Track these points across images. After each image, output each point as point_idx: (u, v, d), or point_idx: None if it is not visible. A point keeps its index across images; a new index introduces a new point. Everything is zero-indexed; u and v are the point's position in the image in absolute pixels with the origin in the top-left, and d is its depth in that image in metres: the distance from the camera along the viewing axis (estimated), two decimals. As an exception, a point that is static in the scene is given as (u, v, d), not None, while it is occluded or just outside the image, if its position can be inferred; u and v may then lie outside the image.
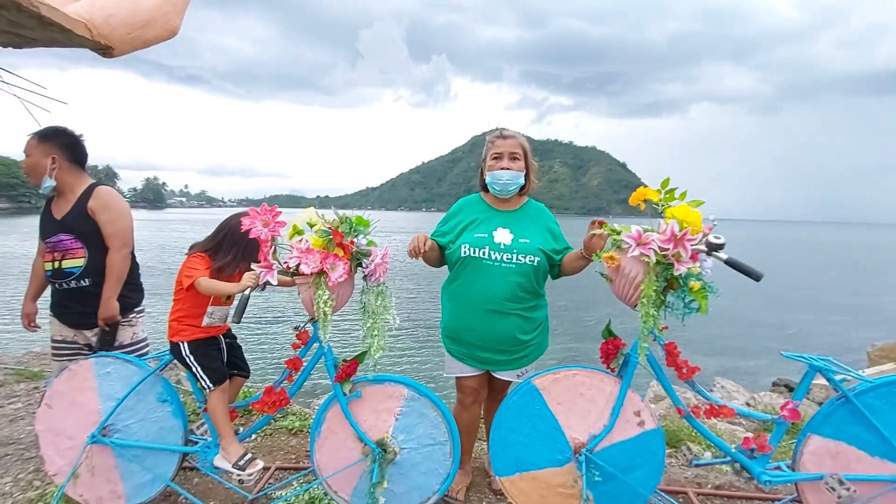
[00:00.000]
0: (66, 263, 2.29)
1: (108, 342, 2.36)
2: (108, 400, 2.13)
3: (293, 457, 2.75)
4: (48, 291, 2.50)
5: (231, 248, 2.03)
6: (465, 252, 2.17)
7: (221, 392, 2.07)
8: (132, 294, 2.48)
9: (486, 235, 2.16)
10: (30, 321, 2.58)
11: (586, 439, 1.97)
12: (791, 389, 7.98)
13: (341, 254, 1.85)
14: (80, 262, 2.30)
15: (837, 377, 1.87)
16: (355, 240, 1.89)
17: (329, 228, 1.86)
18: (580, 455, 1.95)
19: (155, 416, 2.14)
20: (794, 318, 16.00)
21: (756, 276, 1.61)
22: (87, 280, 2.32)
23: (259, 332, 10.95)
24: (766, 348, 12.22)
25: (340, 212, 1.91)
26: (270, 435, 2.99)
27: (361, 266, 1.95)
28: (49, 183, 2.30)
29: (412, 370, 8.66)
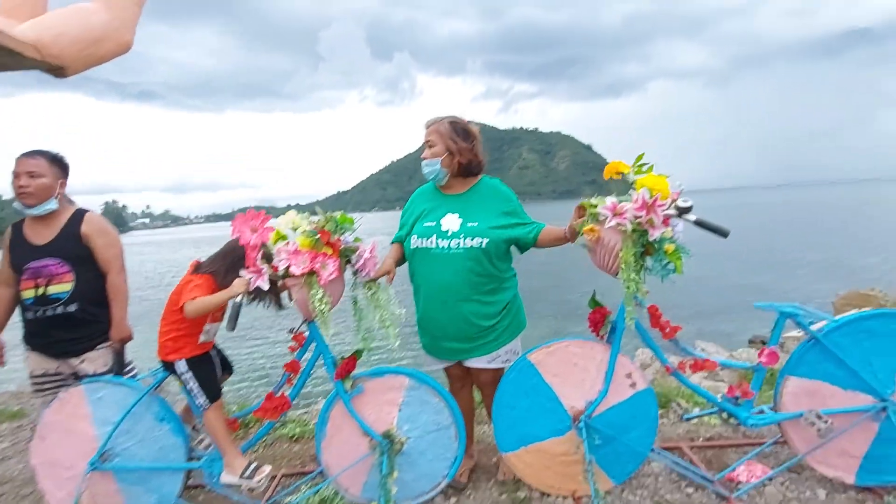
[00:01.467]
0: (53, 289, 2.24)
1: (121, 365, 2.35)
2: (103, 425, 2.10)
3: (297, 462, 2.76)
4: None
5: (233, 267, 1.97)
6: (413, 244, 2.18)
7: (218, 408, 2.06)
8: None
9: (434, 224, 2.16)
10: (0, 355, 2.50)
11: (583, 406, 2.06)
12: (766, 343, 8.37)
13: (330, 252, 1.88)
14: (68, 286, 2.26)
15: (806, 321, 2.01)
16: (342, 237, 1.92)
17: (315, 228, 1.88)
18: (579, 422, 2.03)
19: (154, 435, 2.12)
20: (761, 278, 16.70)
21: (723, 233, 1.72)
22: (73, 305, 2.27)
23: (248, 342, 10.77)
24: (738, 308, 12.74)
25: (324, 212, 1.94)
26: (271, 444, 2.99)
27: (350, 263, 1.98)
28: (51, 206, 2.27)
29: (409, 361, 8.69)
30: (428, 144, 2.18)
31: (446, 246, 2.10)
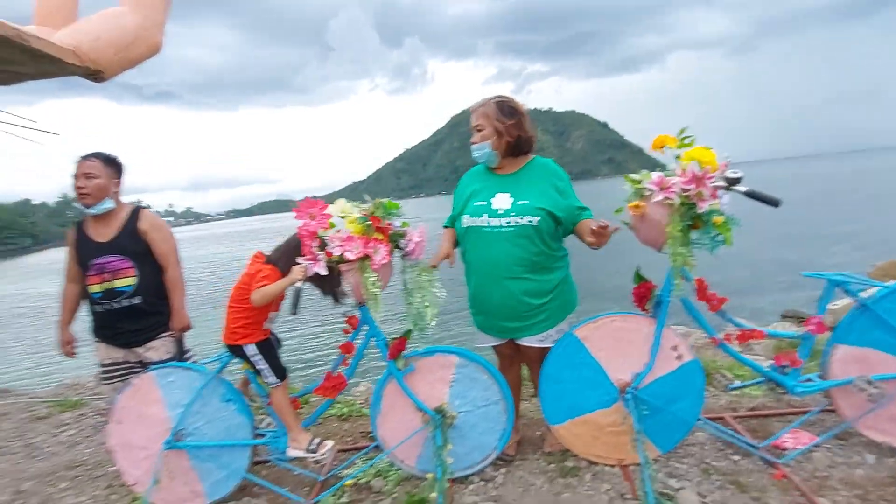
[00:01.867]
0: (118, 283, 2.38)
1: (181, 352, 2.49)
2: (175, 407, 2.24)
3: (349, 439, 2.89)
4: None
5: (292, 256, 2.02)
6: (465, 223, 2.21)
7: (285, 387, 2.18)
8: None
9: (485, 203, 2.17)
10: (71, 347, 2.67)
11: (630, 379, 2.11)
12: (801, 318, 8.23)
13: (381, 237, 1.95)
14: (132, 280, 2.40)
15: (855, 289, 2.01)
16: (391, 222, 2.00)
17: (366, 215, 1.96)
18: (626, 394, 2.09)
19: (222, 415, 2.25)
20: (791, 251, 16.29)
21: (775, 203, 1.73)
22: (138, 298, 2.41)
23: (301, 327, 11.09)
24: (769, 283, 12.49)
25: (373, 199, 2.01)
26: (321, 423, 3.13)
27: (399, 247, 2.06)
28: (108, 205, 2.41)
29: (458, 340, 8.84)
30: (476, 129, 2.19)
31: (498, 224, 2.11)
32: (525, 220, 2.08)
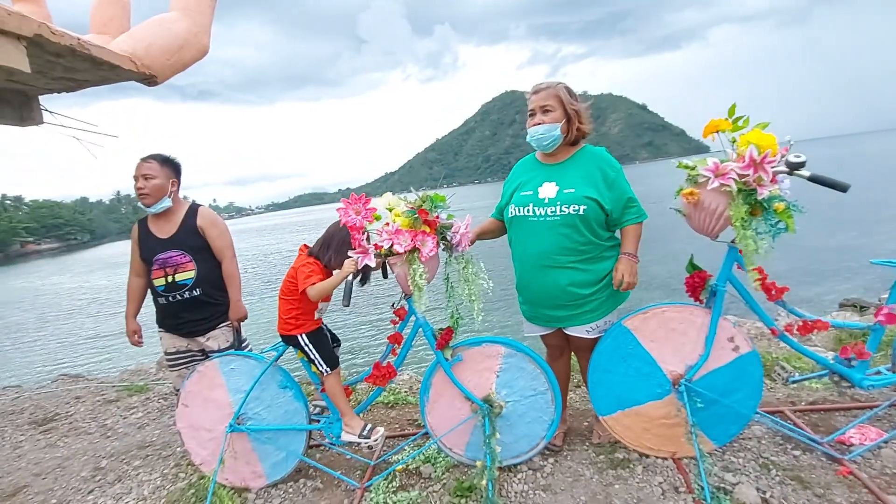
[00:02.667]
0: (180, 276, 2.53)
1: (239, 341, 2.63)
2: (236, 393, 2.37)
3: (397, 426, 2.97)
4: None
5: (340, 250, 2.11)
6: (511, 213, 2.21)
7: (337, 374, 2.27)
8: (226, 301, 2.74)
9: (532, 193, 2.16)
10: (138, 336, 2.86)
11: (683, 371, 2.07)
12: (862, 308, 7.74)
13: (428, 230, 1.98)
14: (192, 273, 2.55)
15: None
16: (438, 215, 2.02)
17: (413, 208, 1.99)
18: (679, 386, 2.05)
19: (279, 401, 2.37)
20: (847, 238, 15.29)
21: (843, 188, 1.64)
22: (198, 290, 2.56)
23: (352, 318, 11.46)
24: (823, 272, 11.79)
25: (420, 192, 2.04)
26: (370, 410, 3.23)
27: (445, 239, 2.08)
28: (166, 203, 2.55)
29: (505, 330, 8.89)
30: (544, 109, 2.12)
31: (543, 214, 2.10)
32: (571, 210, 2.05)
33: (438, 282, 2.23)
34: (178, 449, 3.00)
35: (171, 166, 2.61)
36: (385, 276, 2.20)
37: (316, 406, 2.49)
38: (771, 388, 2.84)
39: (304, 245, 2.23)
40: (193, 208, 2.67)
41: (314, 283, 2.02)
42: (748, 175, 1.67)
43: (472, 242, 2.27)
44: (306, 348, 2.17)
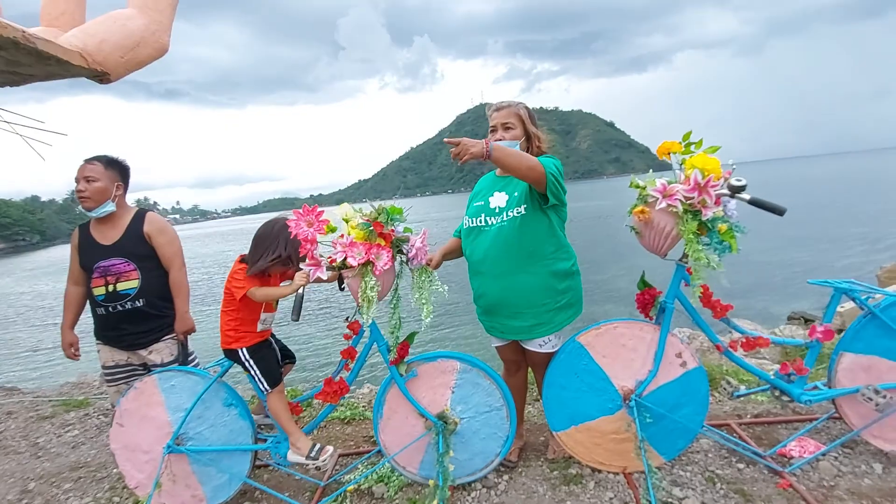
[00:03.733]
0: (122, 286, 2.39)
1: (185, 355, 2.50)
2: (176, 411, 2.24)
3: (351, 443, 2.88)
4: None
5: (269, 254, 2.04)
6: (466, 224, 2.26)
7: (279, 393, 2.18)
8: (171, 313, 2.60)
9: (484, 203, 2.21)
10: (75, 349, 2.68)
11: (634, 386, 2.09)
12: (808, 320, 8.16)
13: (383, 243, 1.94)
14: (135, 283, 2.41)
15: (862, 296, 1.99)
16: (394, 228, 1.99)
17: (368, 220, 1.95)
18: (630, 401, 2.07)
19: (223, 420, 2.26)
20: (799, 255, 16.18)
21: (779, 211, 1.71)
22: (141, 300, 2.42)
23: (297, 329, 11.14)
24: (777, 286, 12.41)
25: (376, 203, 2.00)
26: (325, 427, 3.13)
27: (401, 252, 2.05)
28: (109, 208, 2.41)
29: (462, 345, 8.84)
30: (505, 126, 2.18)
31: (494, 222, 2.14)
32: (515, 213, 2.10)
33: (404, 296, 2.19)
34: (114, 471, 2.81)
35: (117, 169, 2.48)
36: (341, 288, 2.14)
37: (261, 426, 2.39)
38: (719, 400, 2.92)
39: (242, 255, 2.15)
40: (140, 214, 2.53)
41: (251, 288, 1.96)
42: (693, 197, 1.72)
43: (438, 265, 2.30)
44: (246, 363, 2.08)
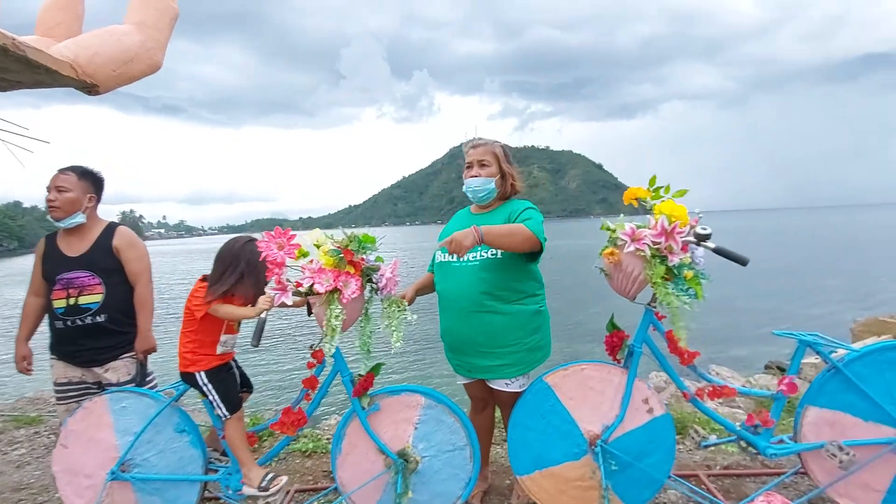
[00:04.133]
0: (84, 299, 2.32)
1: (143, 375, 2.42)
2: (125, 435, 2.14)
3: (310, 478, 2.76)
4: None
5: (231, 274, 2.01)
6: (438, 258, 2.26)
7: (238, 420, 2.10)
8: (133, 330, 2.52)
9: None
10: (27, 363, 2.57)
11: (600, 430, 2.05)
12: (783, 370, 8.21)
13: (352, 271, 1.92)
14: (98, 297, 2.34)
15: (826, 350, 2.00)
16: (365, 256, 1.97)
17: (339, 247, 1.93)
18: (595, 446, 2.02)
19: (173, 447, 2.15)
20: (776, 302, 16.46)
21: (743, 262, 1.73)
22: (103, 315, 2.35)
23: (268, 354, 10.85)
24: (753, 333, 12.53)
25: (348, 230, 1.99)
26: (284, 459, 3.00)
27: (371, 282, 2.02)
28: (78, 219, 2.36)
29: (428, 379, 8.67)
30: (481, 164, 2.22)
31: (465, 259, 2.13)
32: (489, 254, 2.11)
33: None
34: (56, 495, 2.64)
35: (91, 180, 2.44)
36: (310, 313, 2.10)
37: (214, 457, 2.28)
38: (690, 449, 2.88)
39: (204, 275, 2.11)
40: (111, 227, 2.48)
41: (215, 304, 1.91)
42: (661, 242, 1.74)
43: (412, 299, 2.30)
44: (204, 388, 2.01)
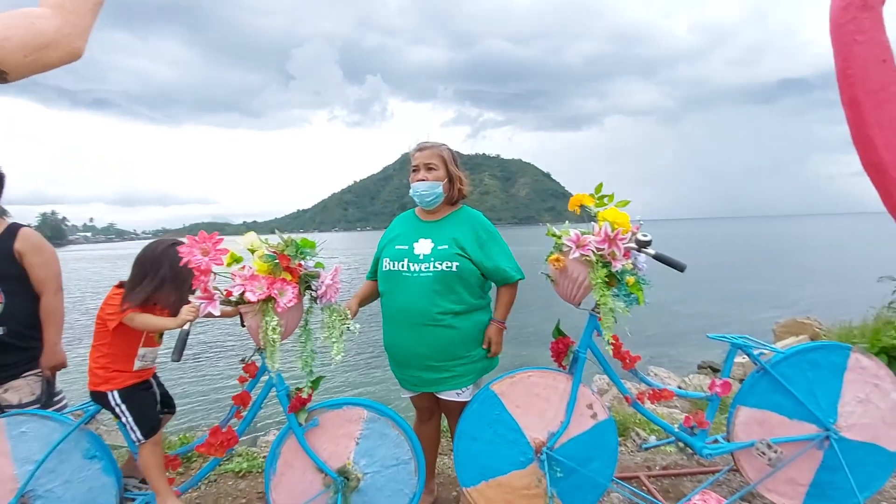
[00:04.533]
0: None
1: (50, 394, 2.17)
2: (25, 463, 1.89)
3: (243, 501, 2.57)
4: None
5: (152, 279, 1.83)
6: (385, 266, 2.15)
7: (154, 444, 1.91)
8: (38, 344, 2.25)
9: (407, 247, 2.13)
10: None
11: (546, 438, 2.04)
12: (715, 370, 8.73)
13: (289, 278, 1.80)
14: None
15: (755, 352, 2.10)
16: (302, 262, 1.85)
17: (274, 252, 1.80)
18: (541, 454, 2.01)
19: (82, 475, 1.92)
20: (707, 307, 17.56)
21: (680, 268, 1.78)
22: (1, 329, 2.07)
23: (195, 367, 10.16)
24: (686, 334, 13.28)
25: (284, 234, 1.86)
26: (215, 481, 2.78)
27: (310, 289, 1.91)
28: None
29: (371, 390, 8.44)
30: (428, 167, 2.15)
31: (417, 269, 2.06)
32: (444, 266, 2.04)
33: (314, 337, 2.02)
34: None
35: None
36: (243, 324, 1.94)
37: (132, 485, 2.07)
38: (631, 451, 2.95)
39: (121, 281, 1.92)
40: (12, 229, 2.20)
41: (130, 313, 1.73)
42: (604, 249, 1.76)
43: (355, 312, 2.19)
44: (117, 409, 1.81)
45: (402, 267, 2.09)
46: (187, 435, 3.24)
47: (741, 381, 2.24)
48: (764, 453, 2.00)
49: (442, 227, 2.17)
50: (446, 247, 2.07)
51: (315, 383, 1.99)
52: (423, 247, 2.10)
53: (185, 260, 1.69)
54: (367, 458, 2.01)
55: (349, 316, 1.94)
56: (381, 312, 2.20)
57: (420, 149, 2.21)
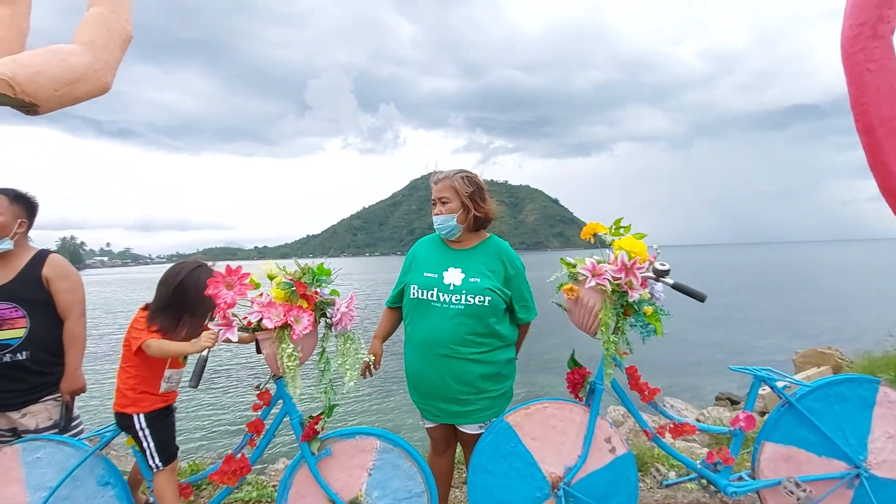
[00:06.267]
0: (3, 335, 2.08)
1: (68, 419, 2.18)
2: (38, 490, 1.88)
3: (254, 531, 2.52)
4: None
5: (175, 305, 1.88)
6: (413, 294, 2.11)
7: (171, 472, 1.90)
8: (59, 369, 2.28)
9: (437, 276, 2.09)
10: None
11: (562, 472, 1.98)
12: (733, 402, 8.46)
13: (305, 305, 1.81)
14: (21, 332, 2.10)
15: (779, 385, 2.04)
16: (318, 290, 1.86)
17: (291, 280, 1.82)
18: (558, 489, 1.95)
19: (95, 502, 1.91)
20: (721, 335, 17.17)
21: (700, 298, 1.76)
22: (25, 353, 2.11)
23: (209, 394, 10.12)
24: (703, 364, 12.96)
25: (301, 262, 1.88)
26: (225, 510, 2.73)
27: (326, 316, 1.91)
28: (6, 245, 2.14)
29: (385, 420, 8.30)
30: (441, 201, 2.12)
31: (447, 300, 2.02)
32: (476, 300, 2.00)
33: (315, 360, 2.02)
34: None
35: (24, 204, 2.24)
36: (259, 350, 1.95)
37: None
38: (651, 487, 2.85)
39: (146, 303, 1.95)
40: (41, 255, 2.27)
41: (147, 339, 1.75)
42: (621, 278, 1.75)
43: (380, 355, 2.20)
44: (141, 433, 1.81)
45: (432, 297, 2.06)
46: (196, 462, 3.21)
47: (761, 413, 2.17)
48: (792, 492, 1.92)
49: (471, 257, 2.13)
50: (478, 280, 2.04)
51: (329, 411, 1.98)
52: (454, 277, 2.06)
53: (211, 292, 1.71)
54: (380, 489, 1.98)
55: (362, 344, 1.94)
56: (405, 339, 2.17)
57: (435, 181, 2.20)
